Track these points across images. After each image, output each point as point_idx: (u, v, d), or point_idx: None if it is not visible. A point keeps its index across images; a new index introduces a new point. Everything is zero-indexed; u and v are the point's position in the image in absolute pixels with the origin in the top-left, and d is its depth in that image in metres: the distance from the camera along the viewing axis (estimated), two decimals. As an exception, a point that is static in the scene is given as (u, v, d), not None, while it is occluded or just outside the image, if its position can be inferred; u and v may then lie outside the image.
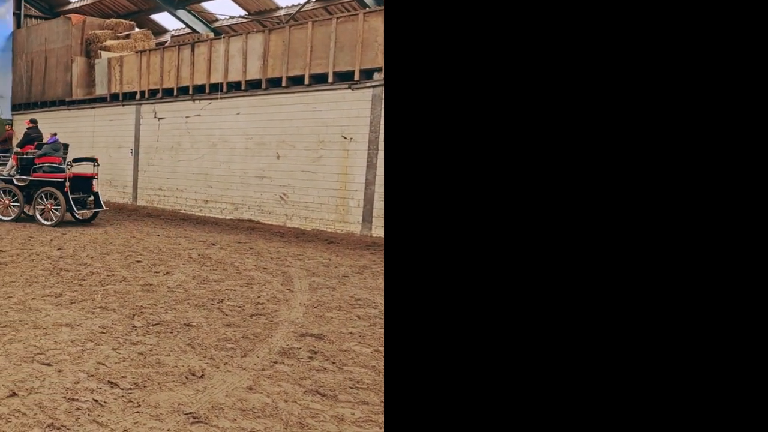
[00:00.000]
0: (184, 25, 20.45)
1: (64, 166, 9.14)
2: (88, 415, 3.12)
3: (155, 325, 4.75)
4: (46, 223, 9.10)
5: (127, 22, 17.77)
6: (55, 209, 8.96)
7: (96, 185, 9.46)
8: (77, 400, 3.28)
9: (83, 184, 9.26)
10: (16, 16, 19.43)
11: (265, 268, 7.35)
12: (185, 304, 5.44)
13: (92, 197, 9.40)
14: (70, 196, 8.86)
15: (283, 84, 11.54)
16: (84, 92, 16.47)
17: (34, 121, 10.54)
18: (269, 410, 3.21)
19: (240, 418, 3.11)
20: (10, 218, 9.31)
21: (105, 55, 15.82)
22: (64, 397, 3.30)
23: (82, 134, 16.18)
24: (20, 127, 17.69)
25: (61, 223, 9.27)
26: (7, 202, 9.38)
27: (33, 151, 9.48)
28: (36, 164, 9.21)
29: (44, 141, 9.52)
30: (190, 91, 13.34)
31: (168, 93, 13.88)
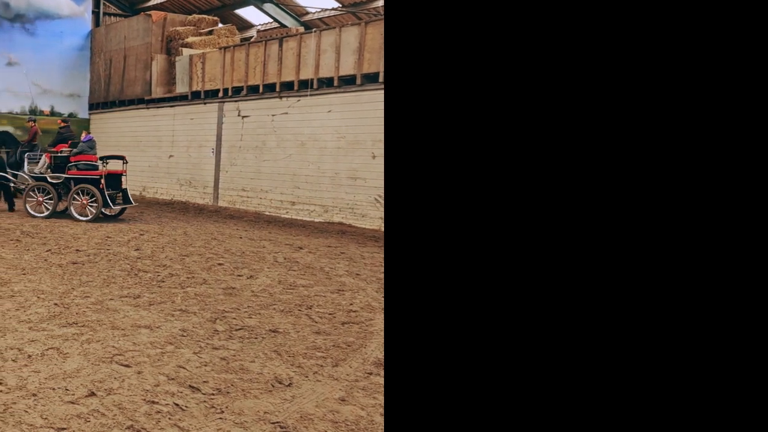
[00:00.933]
0: (271, 20, 21.54)
1: (99, 164, 10.51)
2: (169, 418, 3.19)
3: (238, 329, 4.86)
4: (81, 218, 10.34)
5: (211, 17, 19.04)
6: (91, 205, 10.24)
7: (125, 182, 10.78)
8: (157, 403, 3.38)
9: (114, 180, 10.57)
10: (95, 14, 21.66)
11: (357, 274, 7.36)
12: (271, 309, 5.54)
13: (121, 193, 10.70)
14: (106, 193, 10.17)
15: (380, 80, 11.64)
16: (164, 90, 17.86)
17: (66, 121, 12.19)
18: (363, 423, 3.10)
19: (331, 431, 3.03)
20: (44, 215, 10.58)
21: (186, 52, 17.03)
22: (144, 400, 3.42)
23: (162, 133, 17.52)
24: (100, 125, 19.54)
25: (84, 218, 10.59)
26: (40, 199, 10.71)
27: (67, 149, 10.93)
28: (71, 162, 10.61)
29: (81, 139, 10.99)
30: (277, 88, 13.93)
31: (253, 90, 14.60)
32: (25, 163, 11.35)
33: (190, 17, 18.77)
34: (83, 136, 11.24)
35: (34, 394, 3.46)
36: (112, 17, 22.41)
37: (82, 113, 20.45)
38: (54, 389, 3.55)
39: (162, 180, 17.46)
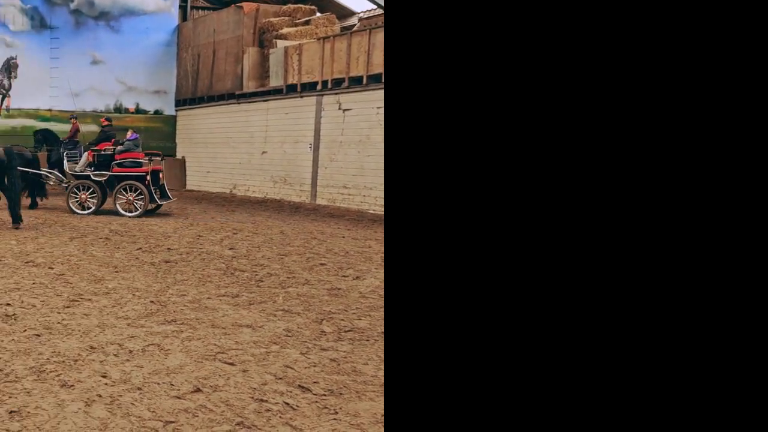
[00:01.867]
0: (375, 6, 21.98)
1: (143, 161, 12.11)
2: (280, 417, 3.29)
3: (348, 331, 4.94)
4: (128, 214, 11.78)
5: (307, 6, 19.76)
6: (138, 201, 11.80)
7: (163, 177, 12.45)
8: (266, 401, 3.50)
9: (153, 177, 12.12)
10: (182, 9, 23.17)
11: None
12: (382, 311, 5.58)
13: (159, 189, 12.26)
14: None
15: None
16: (256, 84, 18.76)
17: (109, 120, 13.95)
18: None
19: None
20: (89, 211, 12.09)
21: (281, 43, 17.79)
22: (252, 398, 3.55)
23: (254, 129, 18.40)
24: (187, 122, 20.82)
25: (130, 214, 12.12)
26: (84, 196, 12.24)
27: (110, 147, 12.51)
28: (117, 159, 12.19)
29: (126, 138, 12.66)
30: (383, 79, 14.14)
31: (355, 82, 14.97)
32: (65, 162, 12.98)
33: (284, 7, 19.57)
34: (129, 134, 12.86)
35: (139, 388, 3.71)
36: (200, 11, 23.87)
37: (168, 110, 21.95)
38: (158, 384, 3.79)
39: (254, 177, 18.30)
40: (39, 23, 20.78)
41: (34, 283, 6.30)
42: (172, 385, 3.80)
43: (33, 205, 13.07)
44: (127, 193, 11.97)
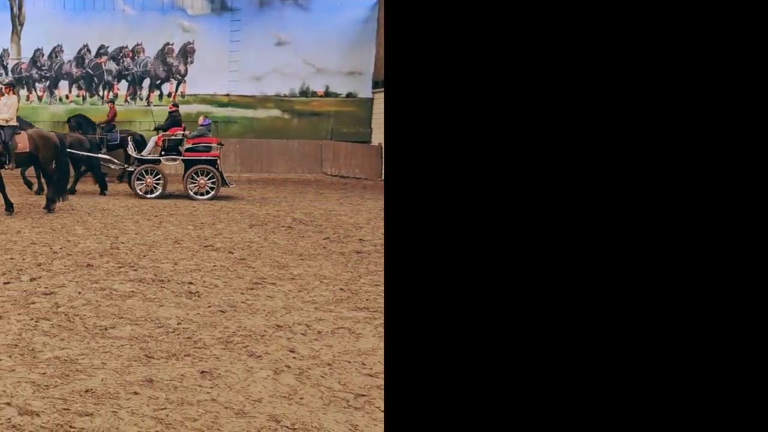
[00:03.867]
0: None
1: (214, 146, 15.15)
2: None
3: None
4: (201, 198, 14.48)
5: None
6: (211, 185, 14.66)
7: (220, 164, 15.28)
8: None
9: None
10: (384, -18, 24.66)
11: None
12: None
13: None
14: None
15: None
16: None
17: (176, 105, 16.80)
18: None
19: None
20: (155, 195, 14.63)
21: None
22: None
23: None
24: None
25: (202, 197, 14.57)
26: (150, 181, 14.80)
27: (180, 132, 15.27)
28: (189, 144, 15.03)
29: (199, 123, 15.54)
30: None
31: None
32: (130, 145, 16.07)
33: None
34: (201, 120, 15.81)
35: (329, 364, 4.32)
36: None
37: (364, 92, 23.46)
38: (349, 362, 4.38)
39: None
40: (219, 6, 23.37)
41: (214, 266, 7.34)
42: (364, 364, 4.37)
43: (103, 191, 15.34)
44: (198, 177, 14.70)
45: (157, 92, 23.85)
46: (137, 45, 23.81)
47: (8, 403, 3.61)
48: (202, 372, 4.14)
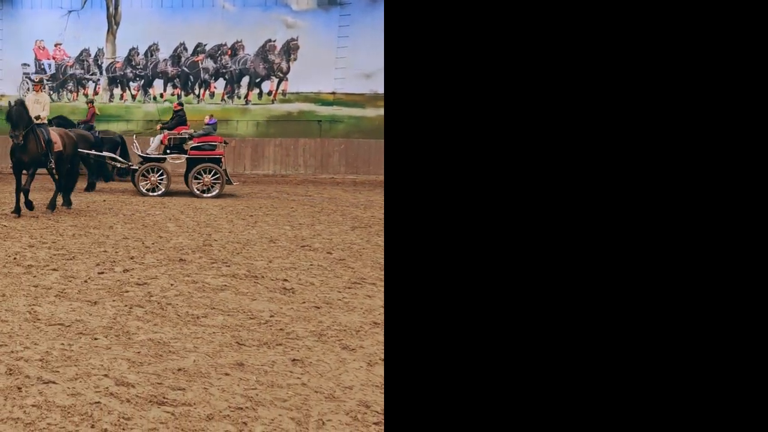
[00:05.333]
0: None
1: (219, 144, 16.73)
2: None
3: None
4: (206, 195, 15.87)
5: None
6: (215, 182, 16.18)
7: (224, 162, 16.87)
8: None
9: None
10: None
11: None
12: None
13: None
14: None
15: None
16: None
17: (181, 104, 18.47)
18: None
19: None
20: (159, 193, 16.05)
21: None
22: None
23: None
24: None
25: (207, 195, 15.96)
26: (154, 179, 16.26)
27: (186, 131, 16.92)
28: (195, 143, 16.59)
29: (205, 122, 17.29)
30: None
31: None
32: (135, 145, 17.50)
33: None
34: (207, 119, 17.62)
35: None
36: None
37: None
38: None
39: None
40: (327, 1, 24.11)
41: (311, 265, 7.76)
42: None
43: (90, 187, 16.50)
44: (203, 176, 16.20)
45: (256, 90, 24.77)
46: (237, 42, 24.86)
47: (106, 375, 4.10)
48: (294, 360, 4.50)
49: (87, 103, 20.96)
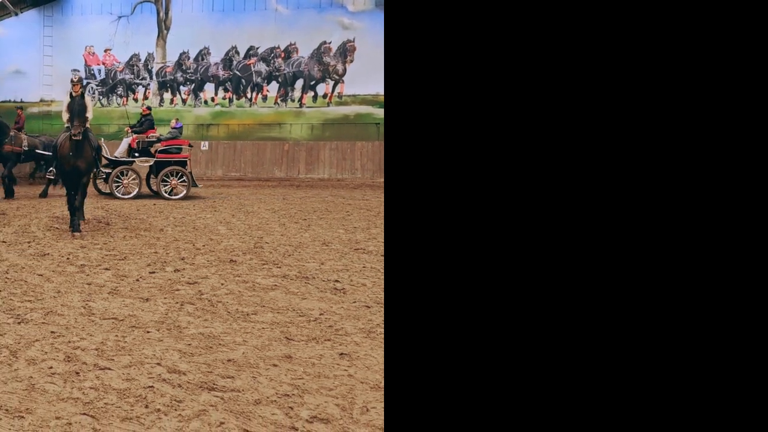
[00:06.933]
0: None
1: (185, 147, 18.48)
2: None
3: None
4: (173, 197, 17.35)
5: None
6: (182, 185, 17.64)
7: (190, 165, 18.42)
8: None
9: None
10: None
11: None
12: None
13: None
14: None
15: None
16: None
17: (149, 108, 20.34)
18: None
19: None
20: (131, 195, 17.44)
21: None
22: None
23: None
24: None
25: (175, 197, 17.41)
26: (127, 182, 17.67)
27: (154, 135, 18.62)
28: (163, 146, 18.19)
29: (172, 126, 19.26)
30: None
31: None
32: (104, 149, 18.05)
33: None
34: (174, 122, 19.57)
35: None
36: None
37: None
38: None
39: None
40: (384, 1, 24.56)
41: (364, 267, 8.10)
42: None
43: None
44: (170, 178, 17.69)
45: (311, 93, 25.26)
46: (290, 45, 25.44)
47: (158, 364, 4.50)
48: (342, 354, 4.83)
49: (17, 109, 21.66)
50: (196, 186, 18.30)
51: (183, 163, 18.10)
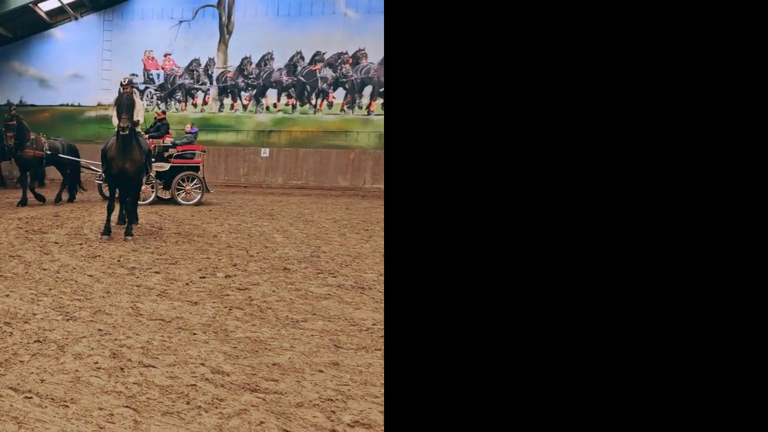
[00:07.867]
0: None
1: (199, 152, 19.12)
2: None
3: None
4: (187, 203, 17.99)
5: None
6: (196, 190, 18.36)
7: (203, 170, 19.20)
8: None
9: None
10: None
11: None
12: None
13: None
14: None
15: None
16: None
17: (164, 113, 21.07)
18: None
19: None
20: (147, 201, 17.66)
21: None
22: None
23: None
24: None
25: (188, 203, 18.07)
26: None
27: (170, 139, 19.02)
28: (178, 151, 18.81)
29: (187, 131, 20.08)
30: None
31: None
32: None
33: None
34: (189, 127, 20.35)
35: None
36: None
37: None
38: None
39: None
40: (457, 5, 24.65)
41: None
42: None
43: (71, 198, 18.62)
44: (184, 183, 18.36)
45: (380, 100, 25.34)
46: (359, 50, 25.64)
47: (202, 364, 4.69)
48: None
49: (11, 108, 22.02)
50: (208, 191, 18.56)
51: (196, 169, 18.78)
